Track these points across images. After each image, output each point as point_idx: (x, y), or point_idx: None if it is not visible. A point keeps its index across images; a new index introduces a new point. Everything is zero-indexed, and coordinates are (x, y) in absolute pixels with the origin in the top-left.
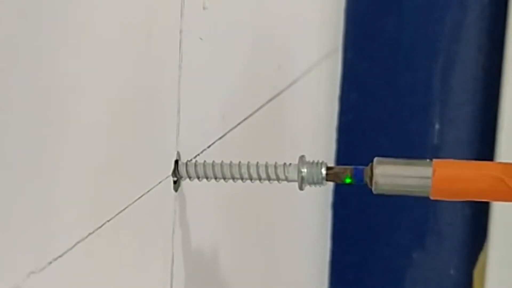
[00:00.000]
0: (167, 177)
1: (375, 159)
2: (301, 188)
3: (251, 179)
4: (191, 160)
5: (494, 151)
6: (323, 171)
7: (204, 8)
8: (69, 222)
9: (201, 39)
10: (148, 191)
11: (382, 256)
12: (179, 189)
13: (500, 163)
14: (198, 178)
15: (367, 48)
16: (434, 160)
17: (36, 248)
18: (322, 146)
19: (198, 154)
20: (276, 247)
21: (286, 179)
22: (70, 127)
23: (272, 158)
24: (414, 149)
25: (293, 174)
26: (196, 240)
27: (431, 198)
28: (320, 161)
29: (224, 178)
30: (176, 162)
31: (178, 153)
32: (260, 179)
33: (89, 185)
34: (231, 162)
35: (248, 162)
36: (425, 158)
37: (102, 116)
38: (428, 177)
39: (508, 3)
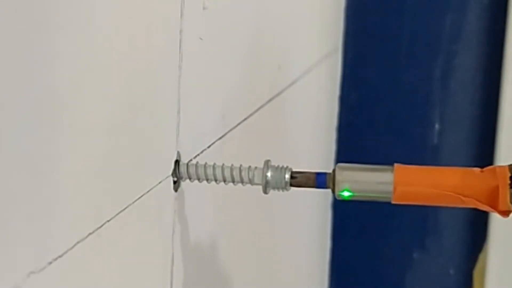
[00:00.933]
0: (167, 177)
1: (338, 164)
2: (265, 192)
3: (216, 181)
4: (191, 160)
5: (494, 151)
6: (287, 176)
7: (204, 8)
8: (69, 222)
9: (201, 39)
10: (148, 191)
11: (382, 256)
12: (179, 189)
13: (460, 169)
14: (198, 179)
15: (367, 48)
16: (395, 165)
17: (36, 248)
18: (322, 146)
19: (198, 154)
20: (276, 247)
21: (251, 183)
22: (70, 127)
23: (272, 158)
24: (414, 149)
25: (258, 178)
26: (196, 240)
27: (392, 202)
28: (285, 166)
29: (200, 179)
30: (176, 162)
31: (178, 153)
32: (225, 181)
33: (89, 185)
34: (205, 163)
35: (214, 164)
36: (425, 158)
37: (102, 116)
38: (389, 183)
39: (508, 3)
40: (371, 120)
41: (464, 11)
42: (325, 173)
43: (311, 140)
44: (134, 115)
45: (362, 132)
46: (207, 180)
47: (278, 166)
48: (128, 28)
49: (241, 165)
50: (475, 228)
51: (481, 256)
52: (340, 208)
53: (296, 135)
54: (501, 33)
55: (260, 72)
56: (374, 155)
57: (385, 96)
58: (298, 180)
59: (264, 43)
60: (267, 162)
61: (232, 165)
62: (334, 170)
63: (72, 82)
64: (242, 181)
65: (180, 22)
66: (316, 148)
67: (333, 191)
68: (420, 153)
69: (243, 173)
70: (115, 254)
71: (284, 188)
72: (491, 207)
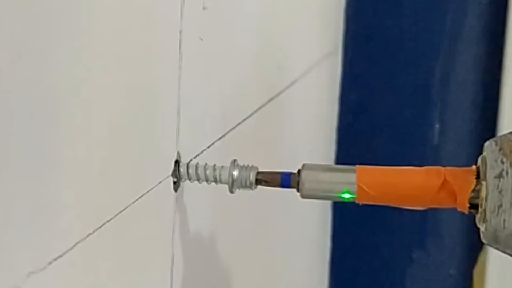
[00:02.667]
0: (167, 177)
1: (303, 164)
2: (231, 191)
3: (215, 181)
4: (191, 160)
5: None
6: (253, 175)
7: (204, 8)
8: (69, 222)
9: (201, 39)
10: (148, 191)
11: (382, 256)
12: (179, 189)
13: (423, 168)
14: (198, 179)
15: (367, 48)
16: (357, 166)
17: (36, 248)
18: (322, 147)
19: (198, 154)
20: (276, 247)
21: (220, 181)
22: (70, 127)
23: (271, 158)
24: (414, 149)
25: (224, 177)
26: (196, 240)
27: (357, 203)
28: (252, 166)
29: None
30: (176, 162)
31: (178, 153)
32: (198, 179)
33: (89, 185)
34: (206, 164)
35: (215, 165)
36: (425, 158)
37: (102, 116)
38: (352, 183)
39: (508, 3)
40: (371, 120)
41: (464, 11)
42: (290, 173)
43: (311, 140)
44: (134, 115)
45: (362, 132)
46: (206, 181)
47: (245, 165)
48: (128, 28)
49: (222, 166)
50: (475, 228)
51: (481, 256)
52: (340, 208)
53: (296, 135)
54: (501, 33)
55: (260, 72)
56: (374, 155)
57: (385, 96)
58: (263, 179)
59: (264, 43)
60: (233, 162)
61: (206, 163)
62: (299, 170)
63: (72, 82)
64: (212, 180)
65: (180, 22)
66: (316, 148)
67: (298, 191)
68: (420, 153)
69: (215, 172)
70: (115, 254)
71: (250, 187)
72: (451, 204)
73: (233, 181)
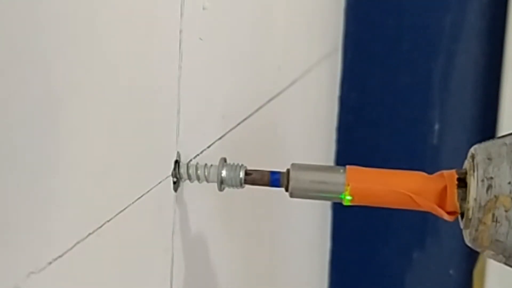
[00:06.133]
0: (167, 177)
1: (292, 164)
2: (219, 190)
3: (190, 180)
4: (191, 160)
5: None
6: (241, 174)
7: (204, 8)
8: (69, 222)
9: (201, 39)
10: (148, 191)
11: (382, 256)
12: (179, 189)
13: (411, 172)
14: (198, 179)
15: (367, 48)
16: (347, 167)
17: (36, 248)
18: (322, 146)
19: (198, 154)
20: (276, 247)
21: (208, 180)
22: (70, 127)
23: (271, 158)
24: (414, 149)
25: (213, 176)
26: (196, 240)
27: (346, 204)
28: (240, 164)
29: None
30: (176, 162)
31: (178, 153)
32: (190, 178)
33: (89, 185)
34: (205, 164)
35: (196, 163)
36: (425, 158)
37: (102, 116)
38: (341, 184)
39: (508, 3)
40: (371, 120)
41: (464, 11)
42: (279, 172)
43: (311, 140)
44: (134, 115)
45: (362, 132)
46: (206, 180)
47: (233, 164)
48: (128, 28)
49: (211, 165)
50: None
51: (481, 256)
52: (340, 208)
53: (296, 135)
54: (501, 33)
55: (260, 72)
56: (374, 155)
57: (385, 96)
58: (252, 178)
59: (264, 43)
60: (222, 160)
61: (197, 163)
62: (288, 170)
63: (72, 82)
64: (198, 178)
65: (180, 22)
66: (316, 148)
67: (287, 190)
68: (420, 153)
69: (204, 171)
70: (115, 254)
71: (238, 185)
72: (440, 207)
73: (222, 179)
